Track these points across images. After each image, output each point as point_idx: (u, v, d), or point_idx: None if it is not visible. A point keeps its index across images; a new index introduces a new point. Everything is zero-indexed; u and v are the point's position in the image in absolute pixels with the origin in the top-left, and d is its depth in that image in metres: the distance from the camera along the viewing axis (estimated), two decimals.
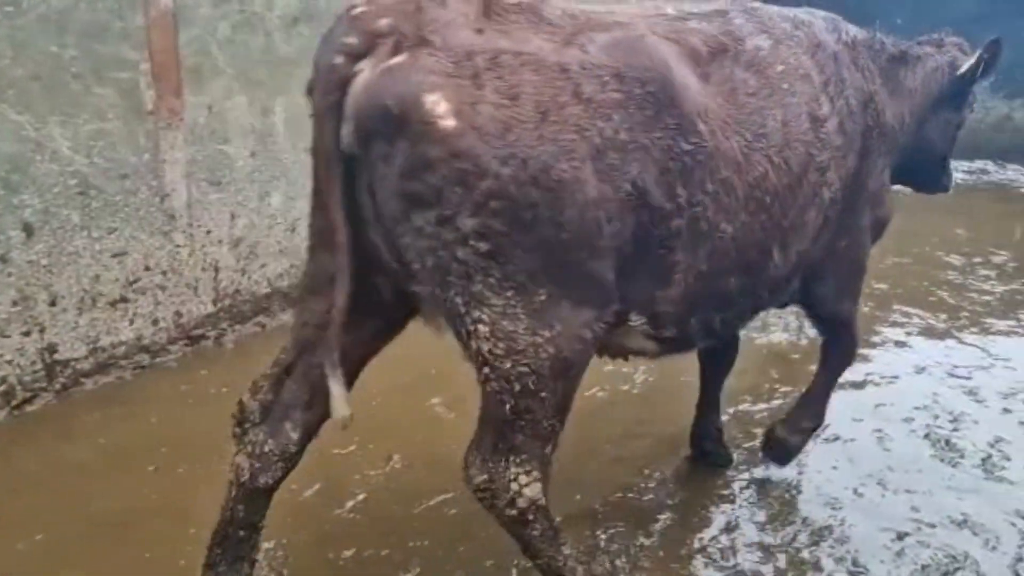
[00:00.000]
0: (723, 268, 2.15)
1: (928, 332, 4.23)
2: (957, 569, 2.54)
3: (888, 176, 2.70)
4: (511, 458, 1.92)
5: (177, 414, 3.23)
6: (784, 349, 3.97)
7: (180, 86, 3.35)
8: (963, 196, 6.77)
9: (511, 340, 1.80)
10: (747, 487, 2.90)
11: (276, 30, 3.70)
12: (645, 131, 1.85)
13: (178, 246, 3.55)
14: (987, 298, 4.71)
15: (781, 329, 4.15)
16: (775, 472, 2.98)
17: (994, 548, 2.63)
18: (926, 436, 3.26)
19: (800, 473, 2.99)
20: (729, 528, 2.68)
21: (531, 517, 1.95)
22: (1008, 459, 3.12)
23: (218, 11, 3.47)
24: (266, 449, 2.07)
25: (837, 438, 3.24)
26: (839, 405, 3.48)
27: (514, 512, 1.95)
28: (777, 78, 2.23)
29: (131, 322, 3.44)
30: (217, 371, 3.56)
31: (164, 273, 3.52)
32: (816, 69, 2.36)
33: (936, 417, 3.40)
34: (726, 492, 2.87)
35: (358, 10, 1.73)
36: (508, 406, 1.87)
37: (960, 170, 7.75)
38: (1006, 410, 3.48)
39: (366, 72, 1.69)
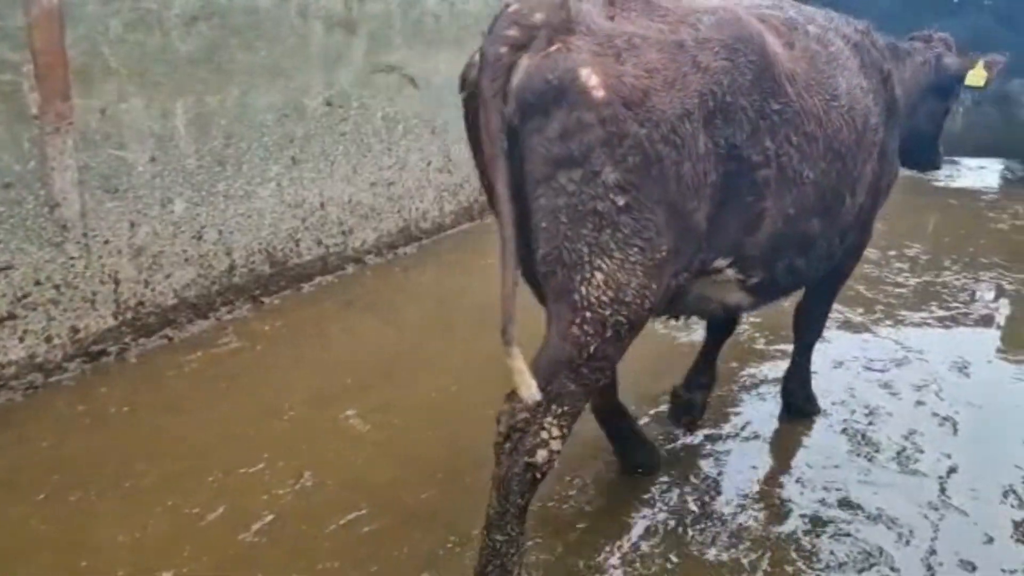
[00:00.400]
0: (806, 212, 2.47)
1: (846, 326, 4.28)
2: (873, 564, 2.55)
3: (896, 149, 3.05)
4: (554, 407, 2.08)
5: (72, 436, 3.04)
6: None
7: (68, 88, 3.15)
8: None
9: (621, 291, 2.06)
10: (667, 490, 2.86)
11: (174, 28, 3.52)
12: (745, 94, 2.19)
13: (72, 258, 3.35)
14: (901, 291, 4.81)
15: (704, 328, 4.14)
16: (695, 473, 2.96)
17: (908, 542, 2.64)
18: (843, 431, 3.28)
19: (720, 473, 2.97)
20: (649, 533, 2.64)
21: (539, 476, 2.09)
22: (921, 451, 3.17)
23: (108, 8, 3.28)
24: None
25: (757, 436, 3.25)
26: (759, 403, 3.50)
27: (531, 461, 2.07)
28: (837, 53, 2.64)
29: (21, 340, 3.23)
30: (119, 388, 3.37)
31: (57, 287, 3.32)
32: (853, 50, 2.77)
33: (853, 412, 3.43)
34: (646, 496, 2.83)
35: (515, 7, 2.06)
36: (589, 350, 2.07)
37: None
38: (919, 402, 3.53)
39: (527, 59, 2.01)
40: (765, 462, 3.09)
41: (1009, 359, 4.06)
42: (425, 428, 3.14)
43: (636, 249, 2.04)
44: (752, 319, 4.15)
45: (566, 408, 2.08)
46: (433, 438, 3.08)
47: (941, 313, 4.53)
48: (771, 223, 2.36)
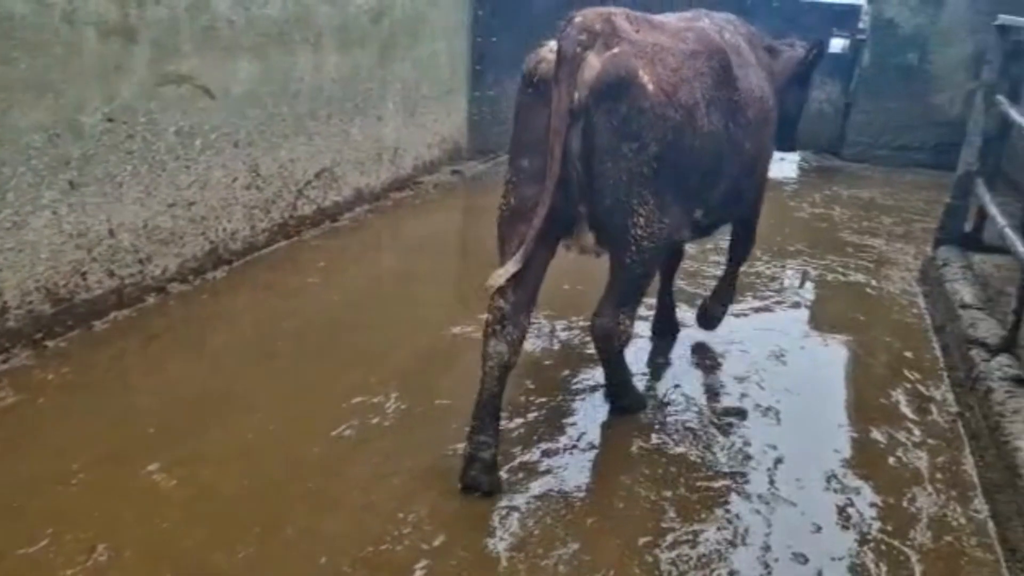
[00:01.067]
0: (743, 172, 3.26)
1: None
2: (708, 563, 2.55)
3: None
4: (624, 310, 2.98)
5: None
6: (537, 357, 3.89)
7: None
8: None
9: (654, 227, 2.82)
10: (507, 516, 2.74)
11: None
12: (720, 89, 2.96)
13: None
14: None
15: (534, 335, 4.07)
16: (532, 494, 2.85)
17: (744, 540, 2.66)
18: (676, 431, 3.30)
19: (558, 491, 2.88)
20: (486, 563, 2.51)
21: (626, 347, 3.20)
22: (749, 444, 3.24)
23: None
24: (515, 338, 2.85)
25: (592, 447, 3.19)
26: (588, 408, 3.44)
27: (620, 346, 3.12)
28: (747, 53, 3.37)
29: None
30: None
31: None
32: (751, 49, 3.48)
33: (681, 409, 3.47)
34: (486, 524, 2.69)
35: (580, 19, 2.69)
36: (638, 272, 2.92)
37: None
38: (744, 395, 3.63)
39: (595, 58, 2.66)
40: (597, 473, 3.04)
41: (820, 344, 4.27)
42: (240, 477, 2.84)
43: (668, 195, 2.82)
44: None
45: (630, 309, 3.01)
46: (250, 488, 2.78)
47: (756, 304, 4.72)
48: (725, 181, 3.15)
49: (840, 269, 5.42)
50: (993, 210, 4.36)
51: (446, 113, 7.04)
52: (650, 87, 2.66)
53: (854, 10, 8.66)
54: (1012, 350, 3.47)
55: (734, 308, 4.56)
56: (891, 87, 8.65)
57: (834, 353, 4.21)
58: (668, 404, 3.51)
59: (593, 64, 2.64)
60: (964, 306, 4.04)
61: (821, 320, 4.61)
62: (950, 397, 3.70)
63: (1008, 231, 3.90)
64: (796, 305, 4.80)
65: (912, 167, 8.68)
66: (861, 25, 8.71)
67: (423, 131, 6.68)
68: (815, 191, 7.51)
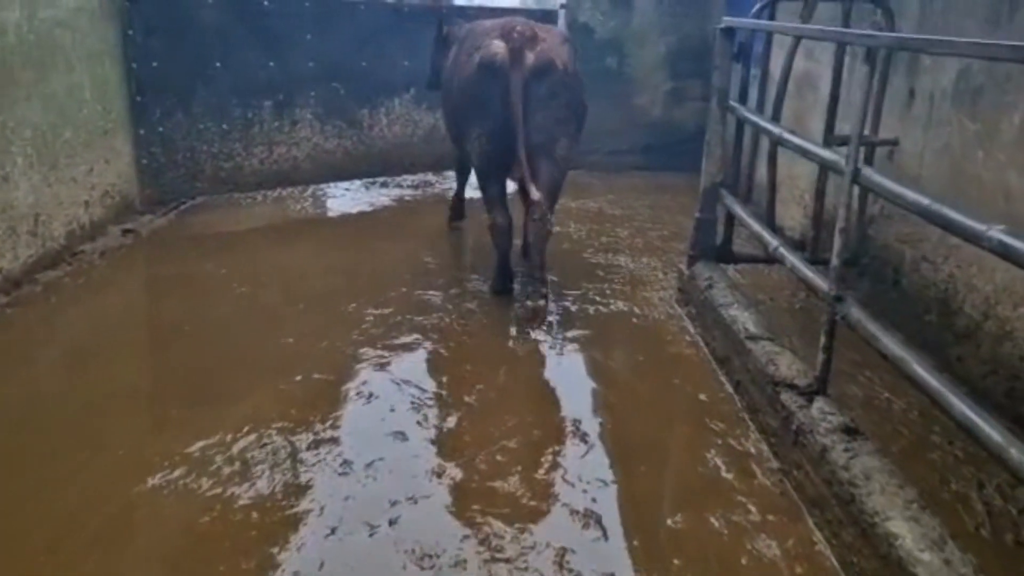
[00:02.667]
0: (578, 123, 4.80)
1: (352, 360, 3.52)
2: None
3: None
4: (553, 208, 4.68)
5: None
6: None
7: None
8: (412, 211, 6.43)
9: (569, 149, 4.56)
10: None
11: None
12: (575, 61, 4.76)
13: None
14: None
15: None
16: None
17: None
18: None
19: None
20: None
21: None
22: (543, 546, 2.49)
23: None
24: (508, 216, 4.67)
25: (310, 488, 2.25)
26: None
27: (551, 228, 4.51)
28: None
29: None
30: None
31: None
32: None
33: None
34: None
35: (520, 28, 4.33)
36: (560, 180, 4.60)
37: (406, 185, 7.46)
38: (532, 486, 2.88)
39: (531, 52, 4.28)
40: (324, 510, 2.11)
41: (612, 393, 3.66)
42: None
43: (571, 133, 4.55)
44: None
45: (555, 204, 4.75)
46: None
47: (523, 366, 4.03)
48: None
49: (598, 297, 4.92)
50: (755, 225, 4.05)
51: (104, 160, 5.58)
52: (559, 65, 4.38)
53: (551, 16, 8.41)
54: (825, 392, 3.07)
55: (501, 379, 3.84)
56: (595, 92, 8.46)
57: (628, 404, 3.62)
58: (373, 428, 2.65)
59: (530, 56, 4.26)
60: (752, 337, 3.64)
61: (601, 365, 4.02)
62: (765, 449, 3.25)
63: (784, 252, 3.55)
64: (573, 347, 4.19)
65: (626, 171, 8.64)
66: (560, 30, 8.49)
67: (74, 187, 5.20)
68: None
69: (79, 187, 5.27)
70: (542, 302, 4.47)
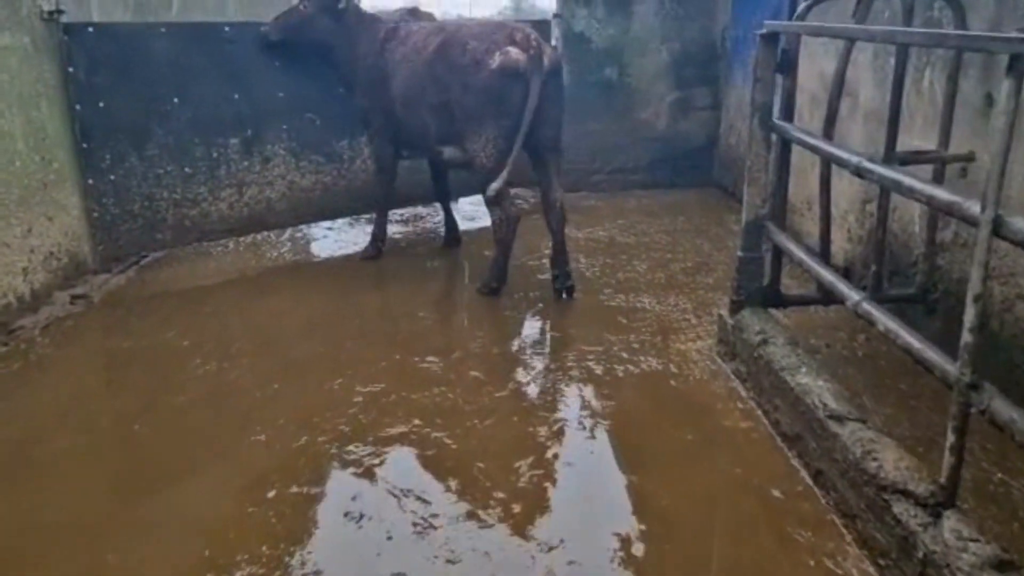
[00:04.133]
0: None
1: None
2: None
3: None
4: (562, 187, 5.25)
5: None
6: None
7: None
8: (400, 251, 5.71)
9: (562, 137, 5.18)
10: None
11: None
12: None
13: None
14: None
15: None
16: None
17: None
18: None
19: None
20: None
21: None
22: None
23: None
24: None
25: None
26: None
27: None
28: None
29: None
30: None
31: None
32: None
33: None
34: None
35: (534, 35, 4.80)
36: (562, 163, 5.15)
37: (394, 220, 6.75)
38: None
39: (546, 56, 4.73)
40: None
41: (660, 493, 2.93)
42: None
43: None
44: None
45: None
46: None
47: (547, 442, 3.30)
48: None
49: (625, 354, 4.20)
50: (802, 255, 3.36)
51: (45, 218, 4.84)
52: (562, 66, 5.16)
53: (543, 26, 7.71)
54: (954, 504, 2.36)
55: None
56: (594, 106, 7.83)
57: (684, 507, 2.90)
58: None
59: (545, 60, 4.72)
60: (835, 417, 2.92)
61: (643, 451, 3.30)
62: (872, 573, 2.53)
63: (878, 314, 2.84)
64: (605, 426, 3.46)
65: (634, 190, 7.95)
66: (554, 42, 7.79)
67: (6, 253, 4.46)
68: (544, 237, 6.35)
69: (14, 252, 4.53)
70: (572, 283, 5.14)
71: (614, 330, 4.52)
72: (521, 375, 3.95)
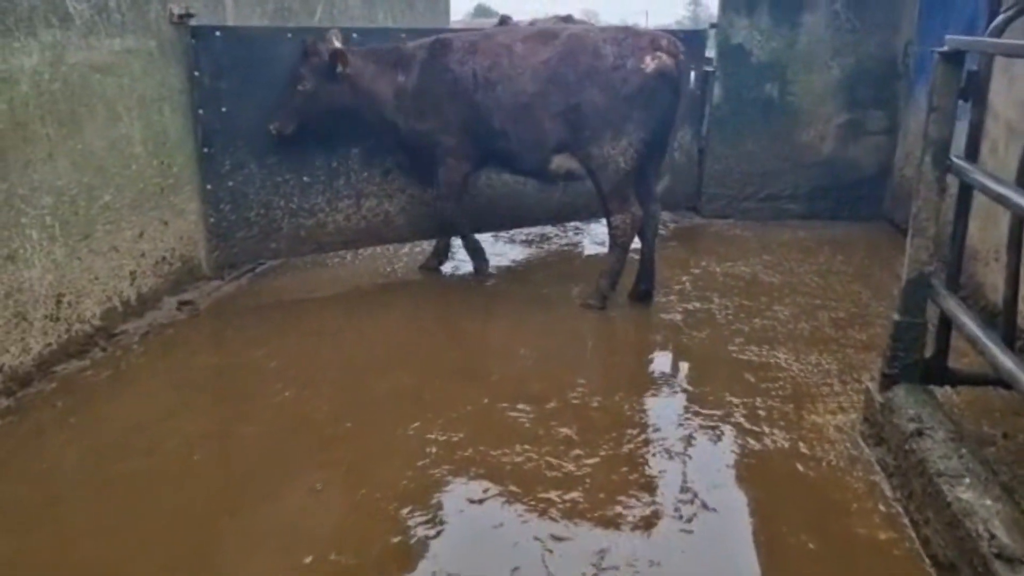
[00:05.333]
0: None
1: None
2: None
3: None
4: None
5: None
6: None
7: None
8: (517, 277, 5.30)
9: None
10: None
11: None
12: None
13: None
14: None
15: None
16: None
17: None
18: None
19: None
20: None
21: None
22: None
23: None
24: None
25: None
26: None
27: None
28: None
29: None
30: None
31: None
32: None
33: None
34: None
35: (682, 50, 4.81)
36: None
37: (518, 240, 6.38)
38: None
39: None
40: None
41: None
42: None
43: None
44: None
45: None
46: None
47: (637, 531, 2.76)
48: None
49: (747, 422, 3.59)
50: (974, 329, 2.65)
51: (160, 222, 4.81)
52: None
53: (699, 36, 7.09)
54: None
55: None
56: (750, 126, 7.14)
57: None
58: None
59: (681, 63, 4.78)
60: (1006, 558, 2.22)
61: (742, 558, 2.71)
62: None
63: None
64: (711, 521, 2.89)
65: (786, 220, 7.17)
66: (708, 54, 7.16)
67: (115, 257, 4.43)
68: (681, 270, 5.77)
69: (123, 256, 4.49)
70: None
71: (739, 390, 3.90)
72: (618, 439, 3.43)
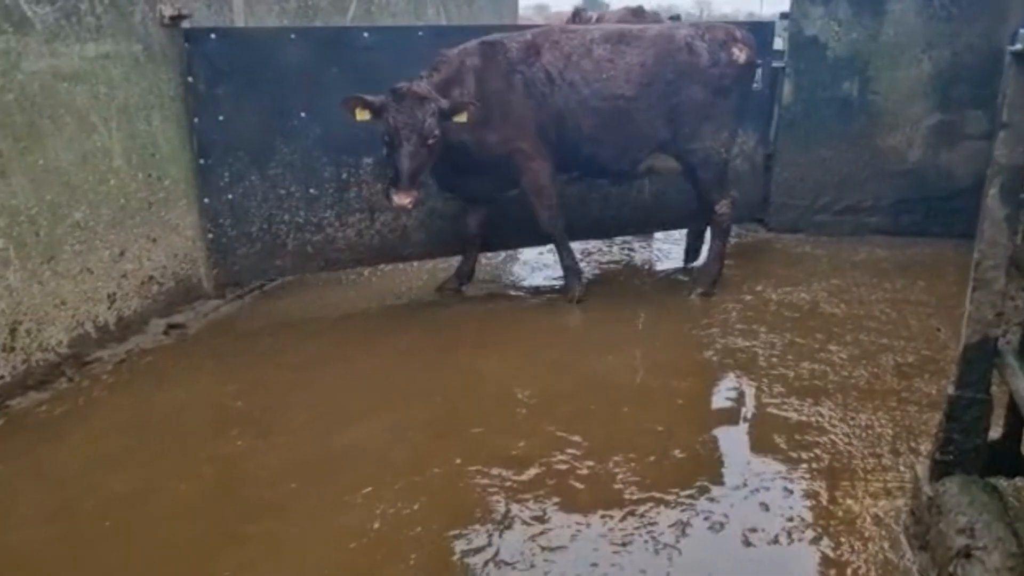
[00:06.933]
0: None
1: None
2: None
3: None
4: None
5: None
6: None
7: None
8: (548, 303, 4.74)
9: None
10: None
11: None
12: None
13: None
14: None
15: None
16: None
17: None
18: None
19: None
20: None
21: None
22: None
23: None
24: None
25: None
26: None
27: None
28: None
29: None
30: None
31: None
32: None
33: None
34: None
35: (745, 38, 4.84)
36: None
37: (553, 257, 5.82)
38: None
39: None
40: None
41: None
42: None
43: None
44: None
45: None
46: None
47: None
48: None
49: (770, 500, 2.93)
50: None
51: (146, 239, 4.48)
52: None
53: (766, 27, 6.31)
54: None
55: None
56: (824, 129, 6.32)
57: None
58: None
59: None
60: None
61: None
62: None
63: None
64: None
65: (866, 236, 6.34)
66: (777, 47, 6.37)
67: (87, 280, 4.11)
68: (730, 295, 5.08)
69: (98, 278, 4.19)
70: None
71: (764, 458, 3.24)
72: (598, 523, 2.84)
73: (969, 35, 6.03)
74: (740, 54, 4.76)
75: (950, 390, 2.56)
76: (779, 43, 6.44)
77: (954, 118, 6.15)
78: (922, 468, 2.72)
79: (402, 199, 4.32)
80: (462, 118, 4.40)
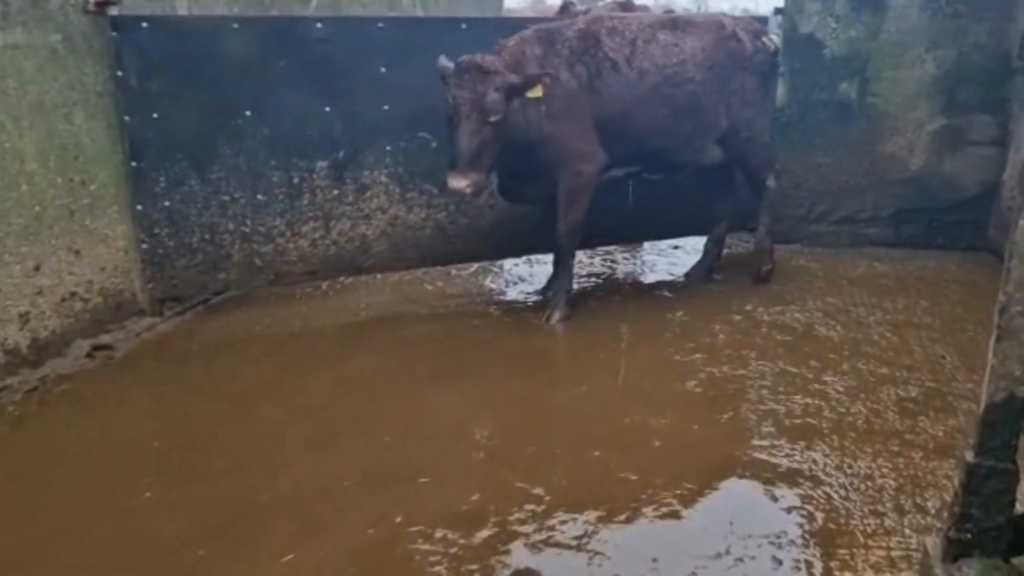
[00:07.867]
0: None
1: None
2: None
3: None
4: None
5: None
6: None
7: None
8: (525, 325, 4.29)
9: None
10: None
11: None
12: None
13: None
14: None
15: None
16: None
17: None
18: None
19: None
20: None
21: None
22: None
23: None
24: None
25: None
26: None
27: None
28: None
29: None
30: None
31: None
32: None
33: None
34: None
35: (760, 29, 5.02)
36: None
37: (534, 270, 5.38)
38: None
39: None
40: None
41: None
42: None
43: None
44: None
45: None
46: None
47: None
48: None
49: (750, 575, 2.51)
50: None
51: (67, 251, 4.03)
52: None
53: (759, 24, 5.86)
54: None
55: None
56: (821, 134, 5.89)
57: None
58: None
59: None
60: None
61: None
62: None
63: None
64: None
65: (864, 248, 5.91)
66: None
67: None
68: (719, 314, 4.65)
69: (7, 296, 3.74)
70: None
71: (750, 517, 2.81)
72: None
73: (977, 33, 5.60)
74: (770, 44, 4.95)
75: (968, 457, 2.13)
76: (773, 40, 6.00)
77: (960, 123, 5.72)
78: (932, 544, 2.29)
79: (459, 182, 3.93)
80: (537, 92, 4.04)
